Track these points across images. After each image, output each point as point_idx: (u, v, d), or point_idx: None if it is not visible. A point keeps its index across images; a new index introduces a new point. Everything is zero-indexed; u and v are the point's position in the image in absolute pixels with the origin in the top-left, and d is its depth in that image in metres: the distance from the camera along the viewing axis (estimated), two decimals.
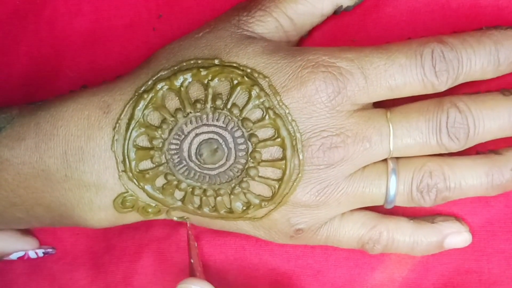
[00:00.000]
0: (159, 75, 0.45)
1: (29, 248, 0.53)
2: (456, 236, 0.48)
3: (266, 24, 0.46)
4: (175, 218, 0.48)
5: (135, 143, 0.45)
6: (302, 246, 0.51)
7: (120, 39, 0.52)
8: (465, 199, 0.48)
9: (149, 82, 0.45)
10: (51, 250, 0.54)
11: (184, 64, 0.45)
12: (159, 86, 0.44)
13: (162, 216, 0.48)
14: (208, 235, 0.52)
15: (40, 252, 0.53)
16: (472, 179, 0.45)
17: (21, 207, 0.46)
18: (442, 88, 0.44)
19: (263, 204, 0.45)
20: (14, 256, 0.53)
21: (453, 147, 0.44)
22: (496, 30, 0.45)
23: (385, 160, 0.46)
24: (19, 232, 0.53)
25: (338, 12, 0.48)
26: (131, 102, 0.45)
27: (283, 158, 0.44)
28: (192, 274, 0.46)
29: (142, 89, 0.45)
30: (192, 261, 0.46)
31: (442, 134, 0.44)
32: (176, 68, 0.45)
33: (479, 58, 0.44)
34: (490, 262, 0.49)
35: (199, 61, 0.45)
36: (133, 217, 0.47)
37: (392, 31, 0.49)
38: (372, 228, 0.47)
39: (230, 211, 0.46)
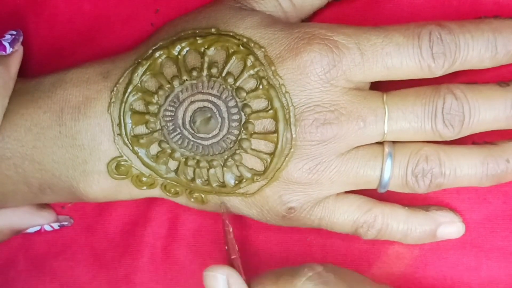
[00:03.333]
0: (158, 45, 0.46)
1: (45, 223, 0.53)
2: (450, 226, 0.48)
3: (265, 2, 0.47)
4: (168, 194, 0.48)
5: (131, 107, 0.45)
6: (299, 244, 0.51)
7: (118, 35, 0.53)
8: (463, 196, 0.49)
9: (149, 52, 0.46)
10: (67, 223, 0.54)
11: (182, 34, 0.46)
12: (157, 54, 0.45)
13: (157, 192, 0.48)
14: (208, 231, 0.52)
15: (56, 225, 0.53)
16: (468, 167, 0.45)
17: (9, 162, 0.46)
18: (439, 71, 0.44)
19: (255, 178, 0.45)
20: (31, 230, 0.53)
21: (447, 134, 0.44)
22: (495, 19, 0.45)
23: (380, 143, 0.46)
24: (34, 207, 0.52)
25: None
26: (130, 68, 0.46)
27: (276, 131, 0.44)
28: (228, 261, 0.45)
29: (142, 57, 0.46)
30: (226, 247, 0.46)
31: (437, 120, 0.44)
32: (174, 38, 0.46)
33: (476, 44, 0.44)
34: (489, 258, 0.48)
35: (197, 31, 0.46)
36: (127, 189, 0.48)
37: None
38: (367, 211, 0.47)
39: (223, 185, 0.46)
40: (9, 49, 0.48)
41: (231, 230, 0.46)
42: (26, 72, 0.52)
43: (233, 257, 0.45)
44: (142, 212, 0.53)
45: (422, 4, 0.49)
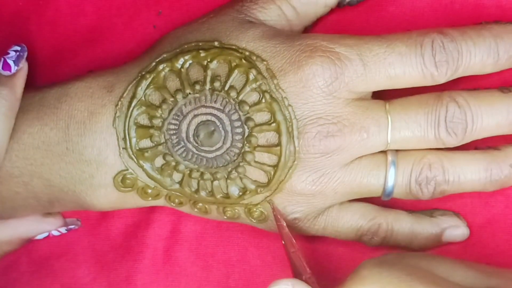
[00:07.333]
0: (161, 57, 0.46)
1: (52, 228, 0.52)
2: (455, 230, 0.48)
3: (269, 11, 0.47)
4: (172, 204, 0.48)
5: (136, 121, 0.45)
6: (304, 247, 0.51)
7: (121, 37, 0.53)
8: (465, 200, 0.49)
9: (152, 64, 0.46)
10: (74, 226, 0.53)
11: (186, 46, 0.46)
12: (160, 67, 0.45)
13: (161, 201, 0.48)
14: (211, 234, 0.52)
15: (63, 230, 0.53)
16: (471, 173, 0.45)
17: (19, 180, 0.47)
18: (442, 79, 0.44)
19: (259, 190, 0.45)
20: (40, 237, 0.53)
21: (450, 142, 0.44)
22: (496, 24, 0.45)
23: (383, 151, 0.46)
24: (41, 214, 0.52)
25: (341, 5, 0.49)
26: (134, 82, 0.46)
27: (279, 144, 0.44)
28: (288, 255, 0.44)
29: (145, 70, 0.46)
30: (283, 242, 0.45)
31: (440, 128, 0.44)
32: (178, 50, 0.46)
33: (478, 51, 0.44)
34: (490, 261, 0.48)
35: (200, 44, 0.46)
36: (133, 200, 0.48)
37: (394, 30, 0.48)
38: (371, 219, 0.47)
39: (227, 196, 0.46)
40: (14, 68, 0.48)
41: (284, 224, 0.46)
42: (27, 75, 0.51)
43: (292, 251, 0.44)
44: (144, 214, 0.53)
45: (424, 8, 0.49)
